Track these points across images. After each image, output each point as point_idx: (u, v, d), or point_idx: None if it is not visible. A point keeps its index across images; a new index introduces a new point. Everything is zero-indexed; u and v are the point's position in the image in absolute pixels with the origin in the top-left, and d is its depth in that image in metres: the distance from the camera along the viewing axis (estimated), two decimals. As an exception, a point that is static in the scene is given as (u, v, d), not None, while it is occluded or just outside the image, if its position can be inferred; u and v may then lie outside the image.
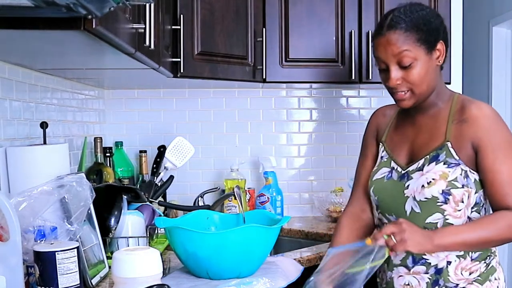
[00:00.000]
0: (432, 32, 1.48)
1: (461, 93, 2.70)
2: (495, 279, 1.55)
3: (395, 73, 1.47)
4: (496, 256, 1.58)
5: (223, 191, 2.55)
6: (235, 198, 2.42)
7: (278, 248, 2.09)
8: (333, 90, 2.76)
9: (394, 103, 1.57)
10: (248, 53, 2.33)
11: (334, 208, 2.56)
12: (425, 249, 1.42)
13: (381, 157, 1.64)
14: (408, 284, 1.55)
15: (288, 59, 2.40)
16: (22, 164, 1.51)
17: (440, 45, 1.49)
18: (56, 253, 1.28)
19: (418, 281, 1.54)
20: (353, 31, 2.40)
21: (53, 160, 1.55)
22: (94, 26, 1.07)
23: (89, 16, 1.04)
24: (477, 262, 1.52)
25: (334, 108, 2.78)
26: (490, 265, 1.54)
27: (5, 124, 1.62)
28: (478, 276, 1.52)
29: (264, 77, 2.38)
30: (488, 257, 1.54)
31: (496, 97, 3.52)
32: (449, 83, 2.43)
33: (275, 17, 2.39)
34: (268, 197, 2.56)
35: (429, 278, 1.52)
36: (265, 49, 2.36)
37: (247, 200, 2.55)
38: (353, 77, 2.40)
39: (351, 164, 2.74)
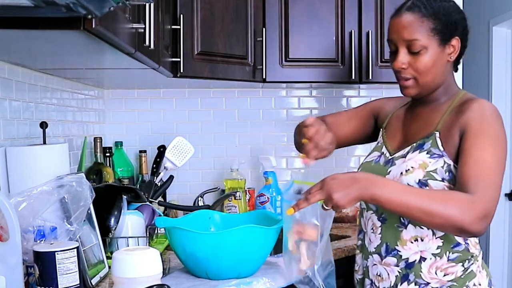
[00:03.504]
0: (450, 25, 1.44)
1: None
2: (474, 285, 1.45)
3: (403, 56, 1.45)
4: (477, 261, 1.48)
5: (223, 191, 2.55)
6: (235, 198, 2.44)
7: (279, 249, 2.08)
8: (333, 90, 2.76)
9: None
10: (248, 53, 2.32)
11: (334, 208, 2.55)
12: (362, 199, 1.31)
13: (377, 142, 1.64)
14: (380, 275, 1.50)
15: (288, 59, 2.40)
16: (22, 164, 1.50)
17: (455, 41, 1.46)
18: (56, 253, 1.28)
19: (388, 274, 1.48)
20: (353, 31, 2.40)
21: (53, 160, 1.55)
22: (93, 26, 1.07)
23: (89, 16, 1.04)
24: (454, 264, 1.43)
25: (334, 108, 2.77)
26: (469, 270, 1.45)
27: (5, 124, 1.62)
28: (453, 280, 1.44)
29: (264, 77, 2.38)
30: (467, 261, 1.45)
31: (496, 97, 3.52)
32: (449, 83, 2.43)
33: (275, 17, 2.39)
34: (268, 197, 2.55)
35: (399, 272, 1.46)
36: (265, 49, 2.36)
37: (247, 200, 2.55)
38: (353, 77, 2.40)
39: (351, 164, 2.76)
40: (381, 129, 1.65)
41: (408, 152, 1.47)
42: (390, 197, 1.29)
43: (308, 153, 1.46)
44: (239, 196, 2.44)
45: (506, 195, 3.47)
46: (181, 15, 2.02)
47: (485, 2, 3.62)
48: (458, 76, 2.74)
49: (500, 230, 3.49)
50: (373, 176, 1.36)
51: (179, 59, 2.00)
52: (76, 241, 1.41)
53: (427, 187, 1.40)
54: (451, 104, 1.49)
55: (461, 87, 2.71)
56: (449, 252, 1.44)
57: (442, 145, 1.43)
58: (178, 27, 2.00)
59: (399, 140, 1.56)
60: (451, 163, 1.41)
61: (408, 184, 1.42)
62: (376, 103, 1.75)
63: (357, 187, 1.29)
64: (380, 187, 1.30)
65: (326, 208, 1.31)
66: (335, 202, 1.28)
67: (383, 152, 1.57)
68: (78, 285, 1.32)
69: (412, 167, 1.43)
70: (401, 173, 1.44)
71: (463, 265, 1.45)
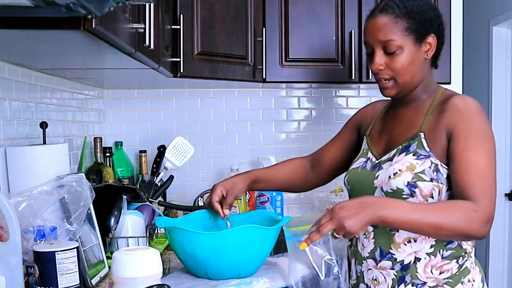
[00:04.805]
0: (424, 23, 1.45)
1: (461, 93, 2.72)
2: (469, 281, 1.47)
3: (379, 57, 1.46)
4: (471, 257, 1.50)
5: (223, 191, 2.55)
6: (236, 199, 2.43)
7: (279, 249, 2.08)
8: (333, 90, 2.77)
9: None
10: (248, 53, 2.33)
11: (334, 208, 2.55)
12: (372, 223, 1.32)
13: (362, 149, 1.64)
14: (376, 279, 1.51)
15: (288, 59, 2.40)
16: (22, 164, 1.50)
17: (431, 39, 1.47)
18: (56, 253, 1.28)
19: (385, 277, 1.49)
20: (353, 31, 2.40)
21: (53, 160, 1.55)
22: (94, 26, 1.07)
23: (89, 16, 1.04)
24: (448, 261, 1.45)
25: (334, 108, 2.78)
26: (464, 267, 1.47)
27: (5, 124, 1.62)
28: (449, 277, 1.45)
29: (264, 77, 2.38)
30: (461, 257, 1.46)
31: (496, 97, 3.52)
32: (449, 83, 2.43)
33: (275, 17, 2.39)
34: (268, 197, 2.56)
35: (395, 274, 1.47)
36: (265, 49, 2.36)
37: (247, 200, 2.55)
38: (353, 77, 2.40)
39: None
40: (365, 137, 1.65)
41: (394, 155, 1.48)
42: (399, 217, 1.30)
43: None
44: (239, 196, 2.43)
45: (506, 195, 3.47)
46: (181, 15, 2.02)
47: (485, 2, 3.62)
48: (458, 76, 2.75)
49: (500, 230, 3.49)
50: (380, 199, 1.39)
51: (179, 59, 2.00)
52: (76, 241, 1.41)
53: (416, 189, 1.42)
54: (432, 102, 1.50)
55: (461, 88, 2.74)
56: (443, 250, 1.45)
57: (428, 146, 1.44)
58: (178, 27, 2.00)
59: (384, 143, 1.56)
60: (438, 162, 1.42)
61: (397, 187, 1.43)
62: (356, 117, 1.75)
63: (367, 212, 1.29)
64: (388, 208, 1.31)
65: (337, 236, 1.31)
66: (347, 230, 1.28)
67: (369, 158, 1.57)
68: (78, 285, 1.32)
69: (400, 170, 1.44)
70: (389, 176, 1.45)
71: (457, 262, 1.46)
